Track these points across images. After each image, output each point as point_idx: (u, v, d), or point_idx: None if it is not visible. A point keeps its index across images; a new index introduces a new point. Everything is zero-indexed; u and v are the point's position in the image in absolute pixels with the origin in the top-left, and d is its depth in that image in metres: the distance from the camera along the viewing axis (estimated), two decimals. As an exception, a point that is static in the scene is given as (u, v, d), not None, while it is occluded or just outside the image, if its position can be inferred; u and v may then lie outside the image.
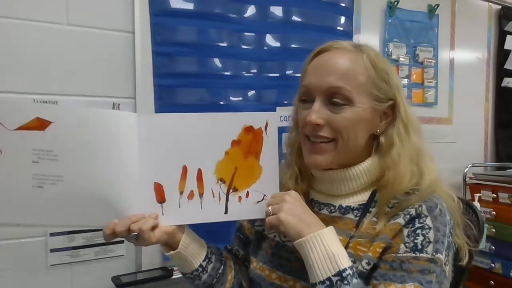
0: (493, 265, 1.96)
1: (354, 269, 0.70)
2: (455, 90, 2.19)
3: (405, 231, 0.73)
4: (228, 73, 1.50)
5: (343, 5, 1.77)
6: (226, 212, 0.80)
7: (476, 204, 1.90)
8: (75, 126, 0.74)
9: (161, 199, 0.78)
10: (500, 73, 2.37)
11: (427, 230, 0.72)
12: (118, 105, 1.33)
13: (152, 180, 0.78)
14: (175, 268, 1.38)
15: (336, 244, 0.71)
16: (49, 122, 0.72)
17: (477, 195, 2.01)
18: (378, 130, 0.81)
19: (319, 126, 0.77)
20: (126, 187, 0.76)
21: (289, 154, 0.89)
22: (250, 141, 0.80)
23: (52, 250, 1.25)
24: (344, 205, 0.81)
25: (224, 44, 1.49)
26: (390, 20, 1.95)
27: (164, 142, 0.78)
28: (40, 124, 0.72)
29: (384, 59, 0.82)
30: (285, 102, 1.62)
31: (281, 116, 1.41)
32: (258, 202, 0.80)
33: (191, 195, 0.79)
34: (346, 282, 0.67)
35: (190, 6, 1.42)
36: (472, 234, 0.89)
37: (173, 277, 1.36)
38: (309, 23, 1.67)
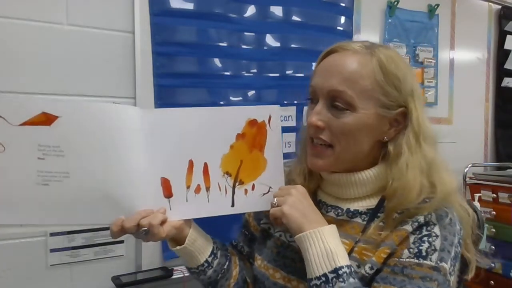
0: (493, 265, 1.96)
1: (354, 270, 0.69)
2: (455, 90, 2.20)
3: (412, 238, 0.71)
4: (228, 73, 1.50)
5: (343, 5, 1.78)
6: (233, 205, 0.80)
7: (476, 204, 1.91)
8: (82, 120, 0.72)
9: (168, 193, 0.78)
10: (500, 73, 2.38)
11: (434, 238, 0.70)
12: (118, 105, 1.33)
13: (159, 175, 0.77)
14: (175, 268, 1.38)
15: (335, 242, 0.70)
16: (56, 117, 0.70)
17: (477, 195, 2.01)
18: (385, 137, 0.77)
19: (319, 129, 0.76)
20: (133, 182, 0.75)
21: (300, 150, 0.87)
22: (254, 134, 0.80)
23: (52, 250, 1.25)
24: (352, 209, 0.80)
25: (224, 44, 1.49)
26: (390, 20, 1.95)
27: (169, 136, 0.77)
28: (46, 119, 0.70)
29: (398, 63, 0.77)
30: (285, 102, 1.62)
31: (281, 116, 1.41)
32: (264, 194, 0.81)
33: (198, 189, 0.79)
34: (341, 279, 0.66)
35: (190, 6, 1.42)
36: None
37: (173, 277, 1.36)
38: (309, 23, 1.67)
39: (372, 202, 0.79)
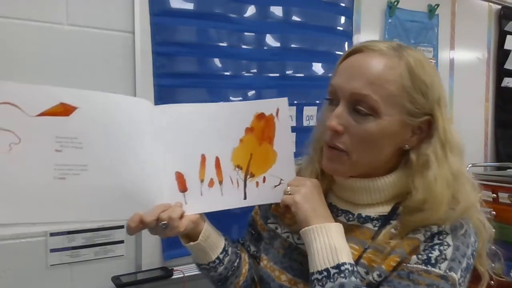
0: (493, 265, 1.96)
1: (356, 270, 0.68)
2: (455, 90, 2.20)
3: (422, 246, 0.68)
4: (228, 73, 1.50)
5: (343, 5, 1.78)
6: (245, 198, 0.81)
7: (476, 204, 1.90)
8: (100, 111, 0.69)
9: (183, 188, 0.78)
10: (500, 73, 2.38)
11: (446, 247, 0.67)
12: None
13: (173, 169, 0.77)
14: (175, 268, 1.38)
15: (340, 240, 0.70)
16: (74, 108, 0.68)
17: (477, 195, 2.00)
18: (407, 146, 0.73)
19: (337, 133, 0.71)
20: (149, 177, 0.74)
21: (313, 150, 0.84)
22: (262, 128, 0.81)
23: (52, 250, 1.26)
24: (363, 215, 0.77)
25: (224, 44, 1.49)
26: (390, 20, 1.95)
27: (181, 131, 0.78)
28: (64, 110, 0.67)
29: (428, 67, 0.72)
30: (285, 102, 1.62)
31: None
32: (275, 186, 0.81)
33: (211, 183, 0.79)
34: (343, 275, 0.66)
35: (190, 6, 1.42)
36: None
37: (173, 277, 1.37)
38: (309, 23, 1.67)
39: (385, 209, 0.76)
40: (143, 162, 0.73)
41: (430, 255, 0.67)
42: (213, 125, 0.79)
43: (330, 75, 0.78)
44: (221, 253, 0.83)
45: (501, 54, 2.37)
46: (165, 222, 0.72)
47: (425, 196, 0.69)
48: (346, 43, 1.80)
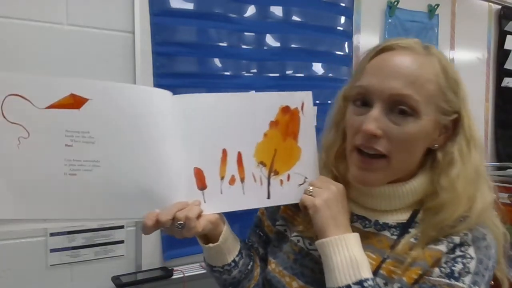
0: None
1: (377, 284, 0.66)
2: (455, 90, 2.19)
3: (444, 258, 0.66)
4: (228, 73, 1.50)
5: (343, 5, 1.78)
6: (268, 197, 0.75)
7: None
8: (114, 103, 0.65)
9: (202, 185, 0.72)
10: (500, 73, 2.38)
11: (469, 259, 0.65)
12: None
13: (192, 165, 0.71)
14: (175, 268, 1.38)
15: (359, 251, 0.67)
16: (86, 100, 0.63)
17: (477, 195, 2.00)
18: (436, 145, 0.71)
19: (375, 137, 0.66)
20: (166, 173, 0.69)
21: (325, 155, 0.80)
22: (287, 122, 0.76)
23: (52, 250, 1.26)
24: (381, 222, 0.73)
25: (224, 44, 1.49)
26: (390, 20, 1.95)
27: (202, 123, 0.72)
28: (75, 102, 0.63)
29: (452, 65, 0.72)
30: (285, 102, 1.62)
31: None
32: (300, 185, 0.76)
33: (232, 180, 0.73)
34: None
35: (190, 6, 1.42)
36: None
37: (173, 277, 1.37)
38: (309, 23, 1.67)
39: (403, 216, 0.72)
40: (159, 157, 0.68)
41: (453, 268, 0.64)
42: (236, 117, 0.73)
43: (345, 78, 0.77)
44: (237, 256, 0.79)
45: (501, 54, 2.37)
46: (182, 222, 0.67)
47: (448, 195, 0.68)
48: (346, 43, 1.80)
